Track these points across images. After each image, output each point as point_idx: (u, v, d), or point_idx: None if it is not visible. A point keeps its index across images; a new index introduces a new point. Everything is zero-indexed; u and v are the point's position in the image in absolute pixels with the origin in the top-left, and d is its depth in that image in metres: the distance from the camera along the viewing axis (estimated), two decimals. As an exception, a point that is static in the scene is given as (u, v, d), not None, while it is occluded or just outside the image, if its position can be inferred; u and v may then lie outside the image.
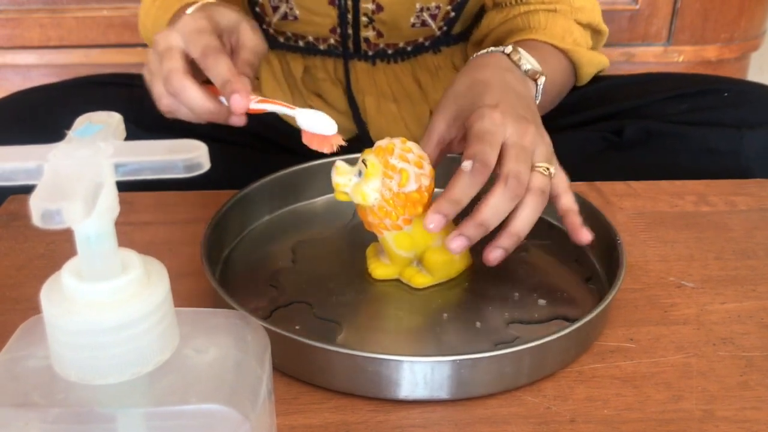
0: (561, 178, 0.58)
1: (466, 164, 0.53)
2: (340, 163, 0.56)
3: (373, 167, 0.55)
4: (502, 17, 0.82)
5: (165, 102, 0.58)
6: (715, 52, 1.39)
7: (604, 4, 1.33)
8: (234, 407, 0.28)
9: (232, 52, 0.59)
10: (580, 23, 0.81)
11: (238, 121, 0.56)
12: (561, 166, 0.59)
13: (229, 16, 0.60)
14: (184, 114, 0.58)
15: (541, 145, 0.57)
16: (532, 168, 0.55)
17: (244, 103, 0.54)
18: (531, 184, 0.55)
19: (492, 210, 0.53)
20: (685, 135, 0.80)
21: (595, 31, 0.84)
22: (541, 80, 0.67)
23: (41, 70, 1.34)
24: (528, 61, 0.66)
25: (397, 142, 0.55)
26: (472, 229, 0.53)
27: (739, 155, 0.78)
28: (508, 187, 0.53)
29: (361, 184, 0.55)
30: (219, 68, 0.55)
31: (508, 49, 0.66)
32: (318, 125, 0.54)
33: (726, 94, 0.84)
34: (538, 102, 0.67)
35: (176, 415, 0.28)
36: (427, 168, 0.56)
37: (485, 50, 0.67)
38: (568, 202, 0.58)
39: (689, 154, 0.80)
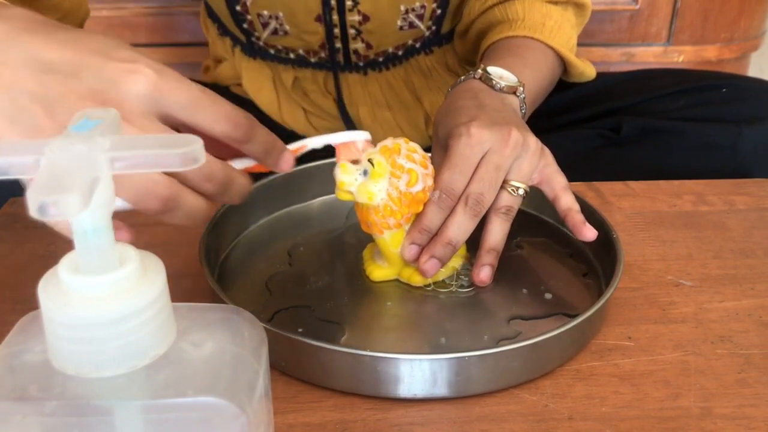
0: (558, 180, 0.59)
1: (434, 194, 0.56)
2: (345, 162, 0.56)
3: (380, 167, 0.54)
4: (480, 5, 0.82)
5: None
6: (715, 52, 1.39)
7: (604, 4, 1.34)
8: (230, 400, 0.28)
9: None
10: (558, 1, 0.81)
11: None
12: (558, 165, 0.59)
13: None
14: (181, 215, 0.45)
15: (524, 155, 0.57)
16: (503, 185, 0.57)
17: (291, 159, 0.50)
18: (496, 203, 0.57)
19: (455, 228, 0.56)
20: (683, 131, 0.80)
21: (577, 6, 0.83)
22: (521, 90, 0.66)
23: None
24: (500, 79, 0.65)
25: (402, 143, 0.55)
26: (441, 249, 0.56)
27: (737, 151, 0.78)
28: (468, 207, 0.56)
29: (367, 184, 0.54)
30: (260, 137, 0.47)
31: (477, 73, 0.66)
32: (352, 136, 0.55)
33: (724, 90, 0.83)
34: (524, 110, 0.67)
35: (173, 408, 0.28)
36: (431, 168, 0.56)
37: (457, 80, 0.67)
38: (567, 201, 0.58)
39: (687, 150, 0.80)
